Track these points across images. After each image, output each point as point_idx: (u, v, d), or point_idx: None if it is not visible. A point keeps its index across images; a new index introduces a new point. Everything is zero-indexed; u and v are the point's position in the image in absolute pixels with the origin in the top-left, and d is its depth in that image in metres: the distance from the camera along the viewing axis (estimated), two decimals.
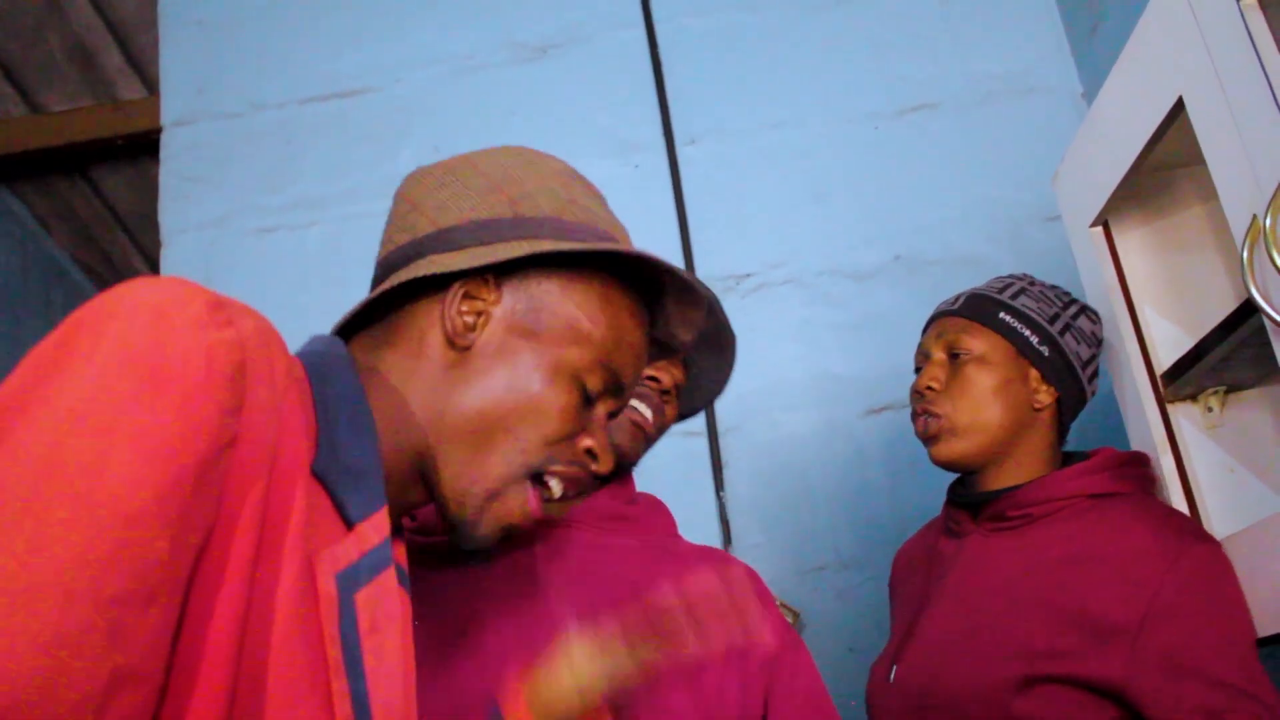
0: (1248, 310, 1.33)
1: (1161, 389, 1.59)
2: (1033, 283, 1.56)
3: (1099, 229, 1.67)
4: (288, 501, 0.70)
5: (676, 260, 2.44)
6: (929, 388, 1.52)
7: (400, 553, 0.90)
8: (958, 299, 1.57)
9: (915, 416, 1.55)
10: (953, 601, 1.49)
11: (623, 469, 1.35)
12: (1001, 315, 1.51)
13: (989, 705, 1.36)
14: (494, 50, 2.66)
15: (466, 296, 0.88)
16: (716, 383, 1.45)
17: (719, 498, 2.29)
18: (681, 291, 1.00)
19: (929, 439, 1.52)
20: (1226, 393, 1.59)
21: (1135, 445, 1.64)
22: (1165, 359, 1.58)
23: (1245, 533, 1.38)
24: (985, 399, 1.49)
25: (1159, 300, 1.64)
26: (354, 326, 0.92)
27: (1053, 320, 1.51)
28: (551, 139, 2.56)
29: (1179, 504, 1.53)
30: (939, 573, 1.55)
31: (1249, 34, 1.19)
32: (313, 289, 2.46)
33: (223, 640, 0.64)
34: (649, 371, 1.31)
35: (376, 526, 0.79)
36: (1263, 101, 1.18)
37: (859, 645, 2.12)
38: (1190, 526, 1.40)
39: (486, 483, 0.86)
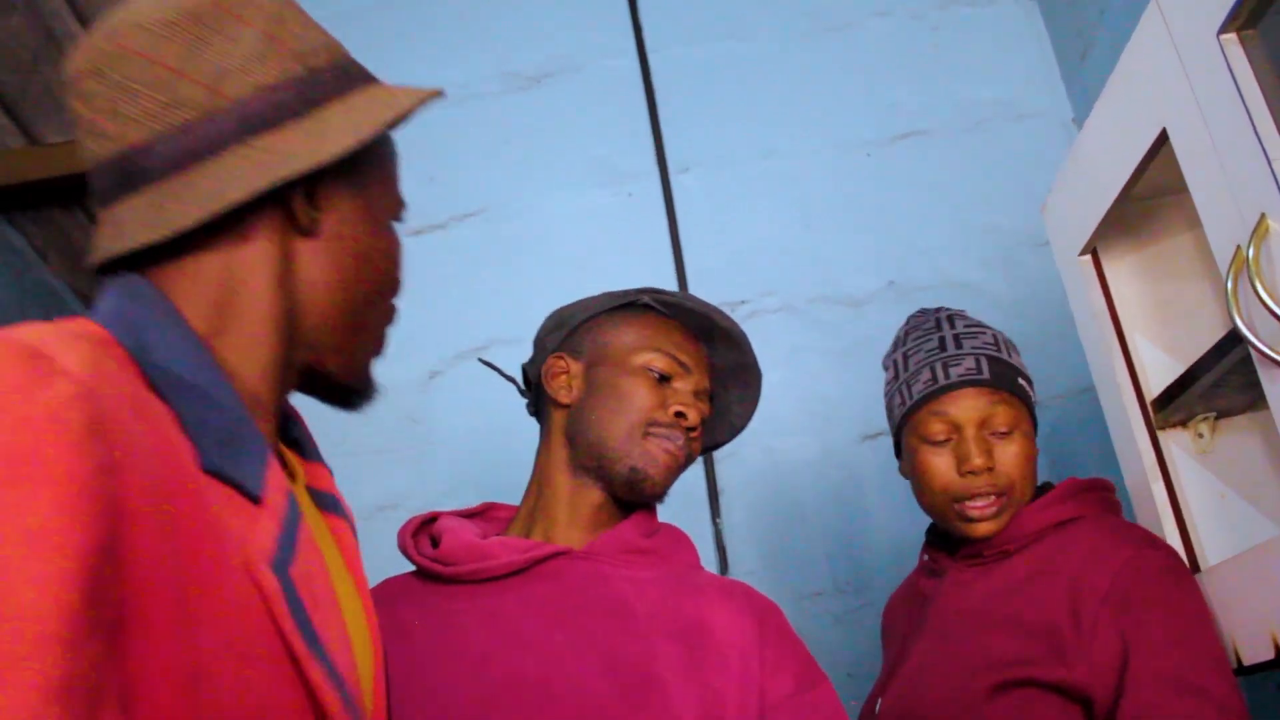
0: (1235, 339, 1.34)
1: (1152, 416, 1.59)
2: (997, 330, 1.58)
3: (1088, 257, 1.68)
4: (196, 524, 0.66)
5: (670, 288, 2.44)
6: (987, 468, 1.46)
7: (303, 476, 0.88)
8: (979, 364, 1.50)
9: (963, 500, 1.48)
10: (932, 634, 1.51)
11: (650, 498, 1.37)
12: (1019, 381, 1.52)
13: (963, 715, 1.38)
14: (487, 80, 2.68)
15: (307, 183, 0.82)
16: (741, 416, 1.47)
17: (715, 525, 2.29)
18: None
19: (983, 519, 1.48)
20: (1217, 419, 1.60)
21: (1126, 472, 1.65)
22: (1155, 386, 1.59)
23: (1238, 558, 1.39)
24: (1031, 468, 1.50)
25: (1148, 327, 1.65)
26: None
27: (1022, 364, 1.55)
28: (545, 168, 2.58)
29: (1171, 530, 1.54)
30: (921, 612, 1.57)
31: (1229, 67, 1.20)
32: None
33: (178, 692, 0.61)
34: (676, 407, 1.33)
35: (277, 485, 0.76)
36: (1243, 133, 1.19)
37: (857, 671, 2.12)
38: (1143, 535, 1.43)
39: (368, 350, 0.90)
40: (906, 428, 1.55)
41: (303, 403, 2.69)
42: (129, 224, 0.76)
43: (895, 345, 1.63)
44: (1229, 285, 1.23)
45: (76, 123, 0.80)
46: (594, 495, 1.35)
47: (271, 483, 0.75)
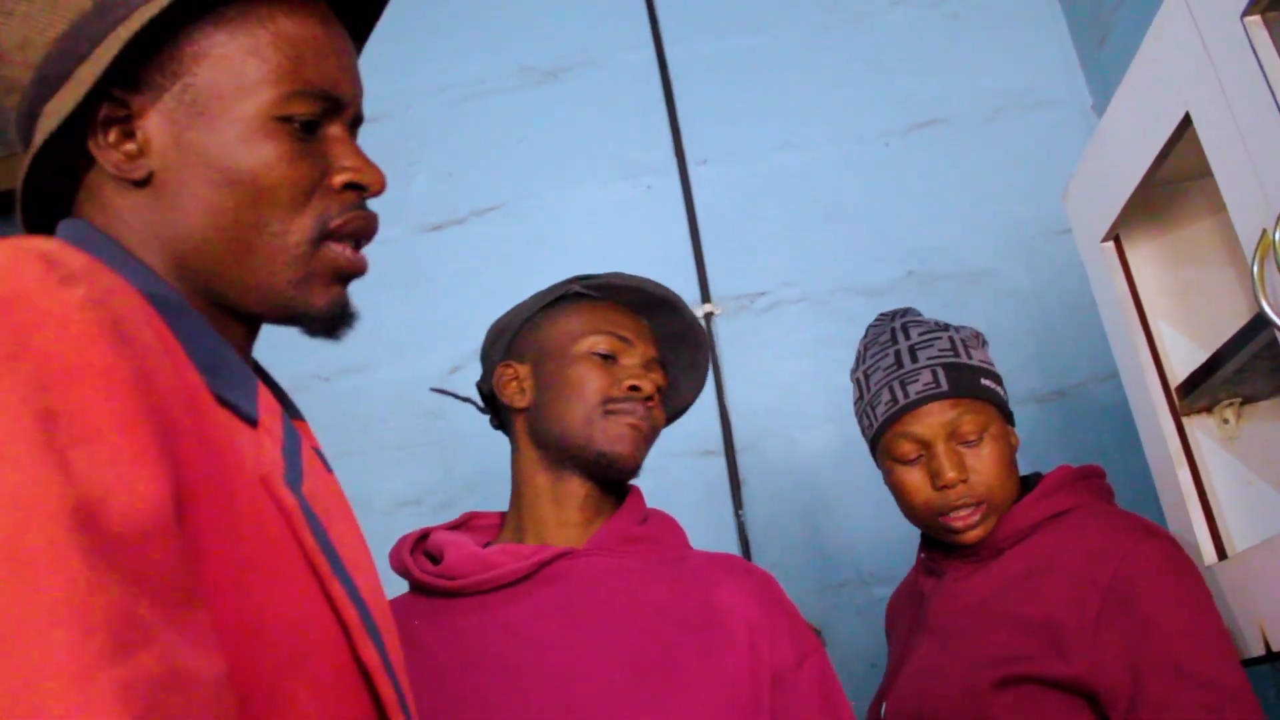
0: (1260, 323, 1.33)
1: (1176, 402, 1.59)
2: (957, 329, 1.56)
3: (1110, 243, 1.67)
4: (216, 438, 0.64)
5: (691, 281, 2.45)
6: (960, 480, 1.46)
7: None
8: (934, 378, 1.49)
9: (944, 514, 1.47)
10: (933, 636, 1.51)
11: (625, 482, 1.38)
12: (982, 382, 1.50)
13: (966, 712, 1.39)
14: (505, 75, 2.68)
15: (107, 129, 0.75)
16: (695, 381, 1.49)
17: (738, 516, 2.29)
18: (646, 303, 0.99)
19: (968, 529, 1.47)
20: (1242, 404, 1.59)
21: (1151, 459, 1.64)
22: (1180, 372, 1.58)
23: (1265, 544, 1.38)
24: (1007, 472, 1.49)
25: (1172, 313, 1.64)
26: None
27: (988, 361, 1.54)
28: (563, 162, 2.58)
29: (1197, 518, 1.53)
30: (921, 611, 1.57)
31: (1253, 49, 1.20)
32: None
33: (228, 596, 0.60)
34: (628, 381, 1.34)
35: (269, 407, 0.74)
36: (1269, 116, 1.18)
37: (881, 662, 2.12)
38: (1142, 525, 1.42)
39: (280, 278, 0.77)
40: (878, 449, 1.56)
41: (330, 398, 2.68)
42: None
43: (857, 361, 1.64)
44: (1254, 269, 1.23)
45: None
46: (576, 487, 1.36)
47: (264, 406, 0.74)
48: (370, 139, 2.95)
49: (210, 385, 0.68)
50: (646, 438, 1.36)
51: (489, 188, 2.59)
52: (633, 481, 1.42)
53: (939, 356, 1.51)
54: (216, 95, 0.75)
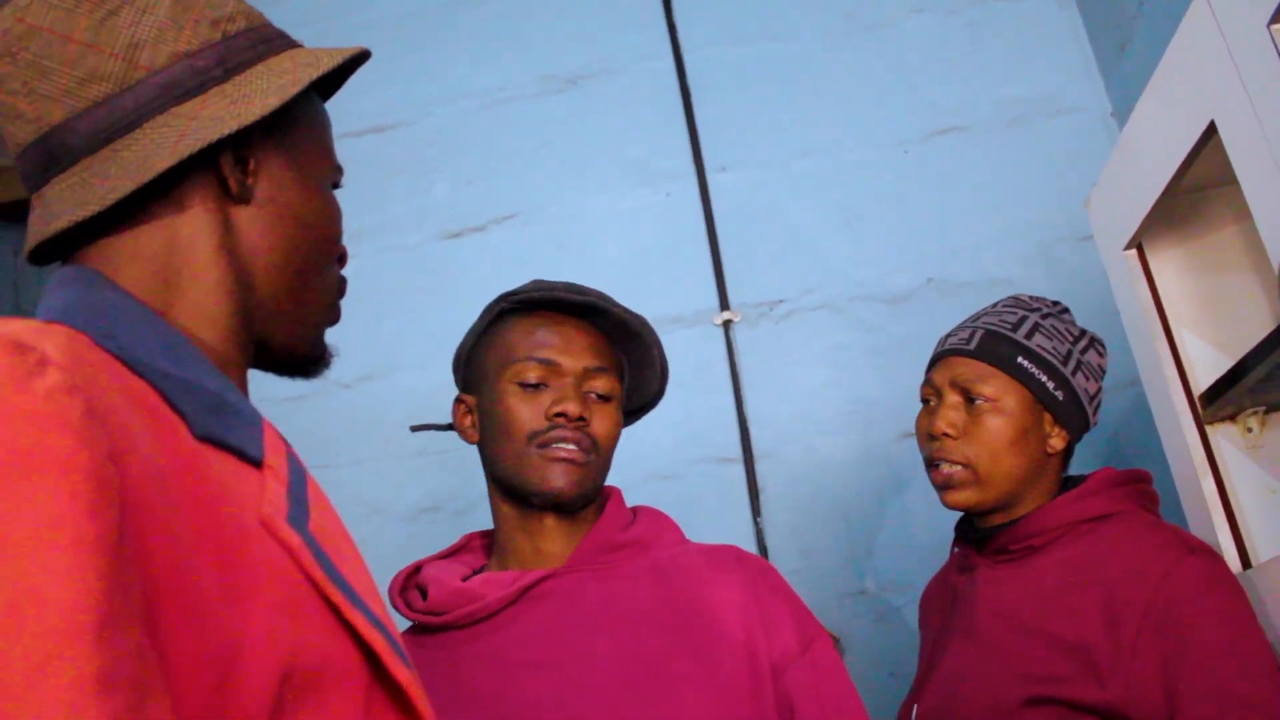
0: None
1: (1200, 410, 1.58)
2: (1045, 315, 1.54)
3: (1133, 251, 1.67)
4: (205, 495, 0.64)
5: (710, 288, 2.45)
6: (946, 434, 1.49)
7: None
8: (971, 334, 1.53)
9: (930, 464, 1.52)
10: (965, 636, 1.50)
11: (567, 508, 1.32)
12: (1019, 360, 1.48)
13: None
14: (524, 83, 2.69)
15: (237, 152, 0.81)
16: (649, 376, 1.43)
17: (756, 524, 2.29)
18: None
19: (946, 487, 1.51)
20: (1266, 413, 1.58)
21: (1174, 468, 1.63)
22: (1203, 380, 1.58)
23: None
24: (1004, 449, 1.48)
25: (1195, 321, 1.64)
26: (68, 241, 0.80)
27: (1066, 359, 1.50)
28: (583, 169, 2.58)
29: (1221, 526, 1.52)
30: (954, 610, 1.56)
31: (1279, 57, 1.19)
32: (348, 321, 2.47)
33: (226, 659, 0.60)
34: (553, 409, 1.29)
35: (274, 447, 0.76)
36: None
37: (900, 670, 2.11)
38: (1183, 540, 1.39)
39: (317, 316, 0.89)
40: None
41: (351, 404, 2.69)
42: (58, 205, 0.75)
43: None
44: (1279, 277, 1.22)
45: None
46: (540, 515, 1.33)
47: (269, 445, 0.75)
48: (390, 147, 2.99)
49: (202, 429, 0.69)
50: (583, 465, 1.30)
51: (509, 195, 2.60)
52: (617, 485, 1.41)
53: (991, 325, 1.53)
54: (305, 149, 0.86)
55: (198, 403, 0.70)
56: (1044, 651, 1.37)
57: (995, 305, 1.59)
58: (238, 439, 0.72)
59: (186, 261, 0.78)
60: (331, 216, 0.88)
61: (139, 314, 0.74)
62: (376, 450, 2.42)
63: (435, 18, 2.74)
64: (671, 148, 2.59)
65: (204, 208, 0.80)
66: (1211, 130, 1.36)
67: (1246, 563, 1.49)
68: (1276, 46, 1.20)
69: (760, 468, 2.34)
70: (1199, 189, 1.60)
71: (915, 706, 1.53)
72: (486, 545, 1.43)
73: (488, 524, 1.43)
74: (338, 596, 0.70)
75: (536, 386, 1.31)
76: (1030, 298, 1.58)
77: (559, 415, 1.29)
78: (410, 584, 1.36)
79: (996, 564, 1.51)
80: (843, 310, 2.43)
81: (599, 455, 1.32)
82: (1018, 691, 1.36)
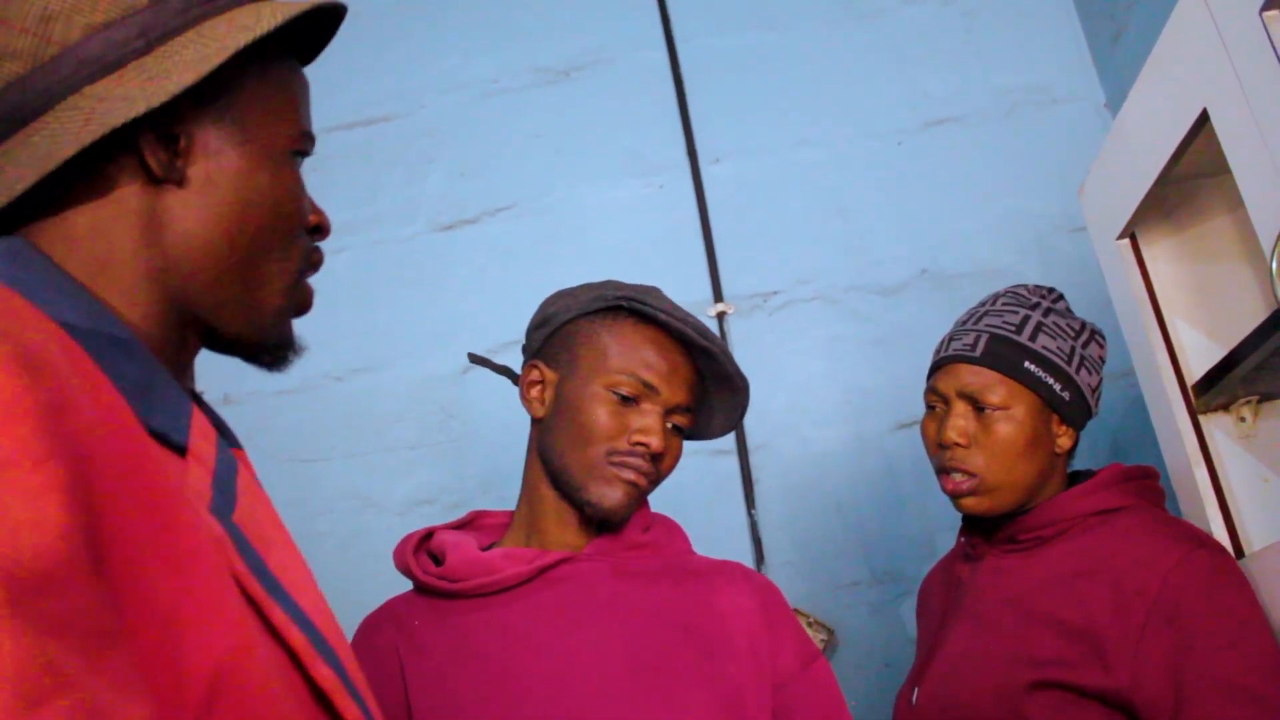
0: (1278, 320, 1.33)
1: (1193, 400, 1.58)
2: (1046, 311, 1.53)
3: (1126, 241, 1.67)
4: (142, 468, 0.62)
5: (703, 280, 2.45)
6: (957, 443, 1.48)
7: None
8: (976, 339, 1.51)
9: (942, 472, 1.51)
10: (969, 622, 1.50)
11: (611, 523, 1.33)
12: (1027, 365, 1.47)
13: (1001, 709, 1.38)
14: (517, 74, 2.68)
15: (164, 130, 0.75)
16: (724, 421, 1.43)
17: (750, 515, 2.29)
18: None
19: (958, 495, 1.49)
20: (1259, 402, 1.58)
21: (1168, 457, 1.63)
22: (1196, 370, 1.58)
23: None
24: (1016, 457, 1.46)
25: (1188, 311, 1.64)
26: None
27: (1070, 358, 1.50)
28: (576, 161, 2.58)
29: (1214, 516, 1.52)
30: (957, 597, 1.56)
31: (1272, 45, 1.19)
32: (342, 314, 2.48)
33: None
34: (637, 437, 1.29)
35: (203, 433, 0.72)
36: None
37: (894, 661, 2.12)
38: (1192, 534, 1.40)
39: (273, 302, 0.82)
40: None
41: (343, 397, 2.69)
42: None
43: None
44: (1273, 265, 1.22)
45: None
46: (576, 509, 1.33)
47: (197, 432, 0.71)
48: (383, 138, 2.98)
49: (137, 413, 0.66)
50: (644, 491, 1.32)
51: (502, 187, 2.59)
52: None
53: (995, 328, 1.51)
54: (253, 120, 0.79)
55: (128, 382, 0.67)
56: (1050, 637, 1.37)
57: (995, 302, 1.56)
58: (162, 424, 0.68)
59: (113, 247, 0.74)
60: (285, 192, 0.81)
61: (72, 289, 0.71)
62: (369, 444, 2.42)
63: (427, 9, 2.73)
64: (665, 138, 2.58)
65: (129, 191, 0.75)
66: (1204, 119, 1.36)
67: (1239, 552, 1.49)
68: (1269, 34, 1.20)
69: (754, 459, 2.33)
70: (1192, 178, 1.60)
71: (916, 690, 1.53)
72: (495, 525, 1.43)
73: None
74: (256, 590, 0.67)
75: (629, 400, 1.30)
76: (1028, 290, 1.57)
77: (641, 444, 1.29)
78: (422, 548, 1.36)
79: (1004, 553, 1.51)
80: (837, 301, 2.43)
81: (656, 484, 1.34)
82: (1023, 675, 1.37)
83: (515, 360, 1.45)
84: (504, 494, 1.52)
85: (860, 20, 2.63)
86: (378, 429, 2.43)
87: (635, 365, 1.30)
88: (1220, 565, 1.36)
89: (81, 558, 0.53)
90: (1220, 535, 1.51)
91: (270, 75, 0.81)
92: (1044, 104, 2.52)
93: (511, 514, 1.41)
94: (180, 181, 0.75)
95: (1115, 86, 2.43)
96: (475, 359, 1.45)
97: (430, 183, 2.61)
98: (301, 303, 0.85)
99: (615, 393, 1.29)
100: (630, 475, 1.29)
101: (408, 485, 2.40)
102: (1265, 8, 1.19)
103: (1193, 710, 1.26)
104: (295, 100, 0.83)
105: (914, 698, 1.53)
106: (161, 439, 0.68)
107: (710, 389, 1.40)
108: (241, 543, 0.68)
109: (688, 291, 2.40)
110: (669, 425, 1.32)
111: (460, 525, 1.43)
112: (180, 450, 0.69)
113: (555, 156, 2.60)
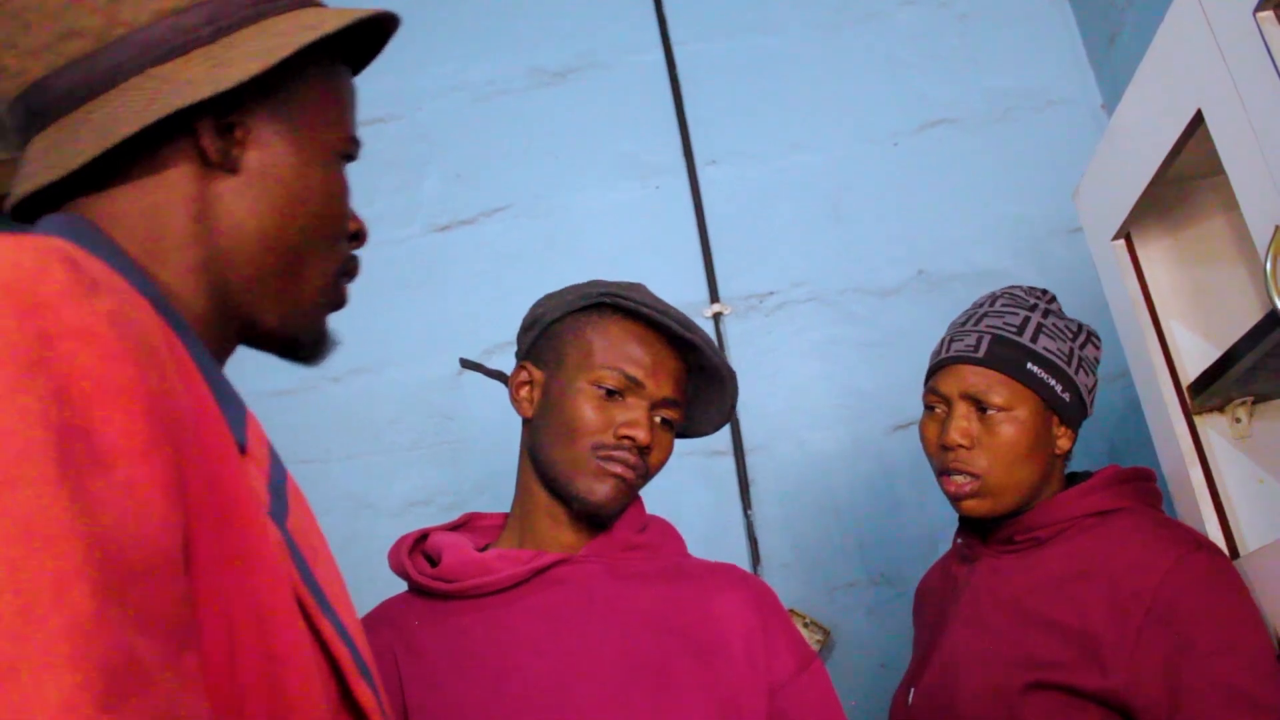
0: (1274, 321, 1.33)
1: (1188, 401, 1.58)
2: (1045, 313, 1.53)
3: (1121, 242, 1.67)
4: (225, 461, 0.62)
5: (700, 281, 2.45)
6: (960, 445, 1.47)
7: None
8: (978, 340, 1.50)
9: (943, 474, 1.50)
10: (965, 623, 1.50)
11: (601, 518, 1.33)
12: (1029, 366, 1.47)
13: (997, 711, 1.38)
14: (514, 77, 2.68)
15: (223, 119, 0.75)
16: (716, 415, 1.43)
17: (747, 517, 2.29)
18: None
19: (960, 497, 1.49)
20: (1254, 403, 1.58)
21: (1163, 458, 1.64)
22: (1191, 371, 1.58)
23: (1278, 544, 1.37)
24: (1020, 458, 1.46)
25: (1183, 312, 1.64)
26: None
27: (1069, 359, 1.50)
28: (572, 163, 2.58)
29: (1209, 516, 1.52)
30: (953, 597, 1.56)
31: (1266, 45, 1.19)
32: (339, 315, 2.48)
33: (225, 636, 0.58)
34: (624, 430, 1.29)
35: (258, 435, 0.72)
36: None
37: (891, 662, 2.12)
38: (1189, 536, 1.40)
39: (312, 299, 0.82)
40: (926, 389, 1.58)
41: (339, 398, 2.69)
42: (34, 164, 0.73)
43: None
44: (1267, 266, 1.22)
45: None
46: (567, 507, 1.33)
47: (253, 432, 0.72)
48: (380, 140, 2.98)
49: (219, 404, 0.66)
50: (633, 486, 1.32)
51: (498, 189, 2.59)
52: None
53: (997, 328, 1.50)
54: (308, 118, 0.80)
55: (205, 370, 0.67)
56: (1047, 638, 1.37)
57: (994, 304, 1.56)
58: (229, 419, 0.68)
59: (164, 231, 0.74)
60: (333, 192, 0.82)
61: (135, 267, 0.71)
62: (366, 445, 2.42)
63: (424, 11, 2.73)
64: (661, 141, 2.58)
65: (183, 176, 0.74)
66: (1199, 119, 1.36)
67: (1235, 552, 1.49)
68: (1263, 35, 1.20)
69: (750, 461, 2.34)
70: (1187, 179, 1.61)
71: (912, 690, 1.53)
72: (490, 526, 1.43)
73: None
74: (309, 601, 0.67)
75: (614, 394, 1.30)
76: (1024, 291, 1.57)
77: (627, 437, 1.29)
78: (417, 549, 1.36)
79: (1001, 554, 1.51)
80: (833, 303, 2.43)
81: (646, 479, 1.34)
82: (1019, 677, 1.37)
83: (511, 362, 1.45)
84: (500, 495, 1.53)
85: (856, 23, 2.63)
86: (375, 430, 2.43)
87: (619, 360, 1.31)
88: (1217, 567, 1.36)
89: (177, 553, 0.53)
90: (1215, 536, 1.51)
91: (327, 77, 0.82)
92: (1040, 106, 2.52)
93: (506, 516, 1.41)
94: (234, 170, 0.76)
95: (1112, 89, 2.44)
96: (467, 364, 1.46)
97: (427, 185, 2.61)
98: (339, 302, 0.86)
99: (601, 388, 1.30)
100: (618, 469, 1.29)
101: (404, 486, 2.40)
102: (1259, 8, 1.19)
103: (1189, 712, 1.26)
104: (346, 104, 0.84)
105: (910, 699, 1.53)
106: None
107: (698, 383, 1.40)
108: (295, 551, 0.68)
109: (684, 293, 2.40)
110: (657, 420, 1.32)
111: (455, 527, 1.43)
112: (240, 448, 0.68)
113: (552, 159, 2.60)
